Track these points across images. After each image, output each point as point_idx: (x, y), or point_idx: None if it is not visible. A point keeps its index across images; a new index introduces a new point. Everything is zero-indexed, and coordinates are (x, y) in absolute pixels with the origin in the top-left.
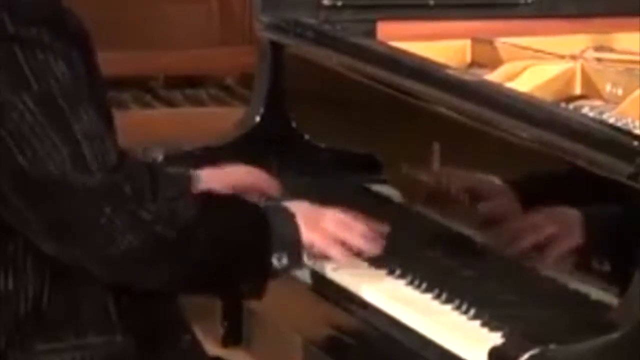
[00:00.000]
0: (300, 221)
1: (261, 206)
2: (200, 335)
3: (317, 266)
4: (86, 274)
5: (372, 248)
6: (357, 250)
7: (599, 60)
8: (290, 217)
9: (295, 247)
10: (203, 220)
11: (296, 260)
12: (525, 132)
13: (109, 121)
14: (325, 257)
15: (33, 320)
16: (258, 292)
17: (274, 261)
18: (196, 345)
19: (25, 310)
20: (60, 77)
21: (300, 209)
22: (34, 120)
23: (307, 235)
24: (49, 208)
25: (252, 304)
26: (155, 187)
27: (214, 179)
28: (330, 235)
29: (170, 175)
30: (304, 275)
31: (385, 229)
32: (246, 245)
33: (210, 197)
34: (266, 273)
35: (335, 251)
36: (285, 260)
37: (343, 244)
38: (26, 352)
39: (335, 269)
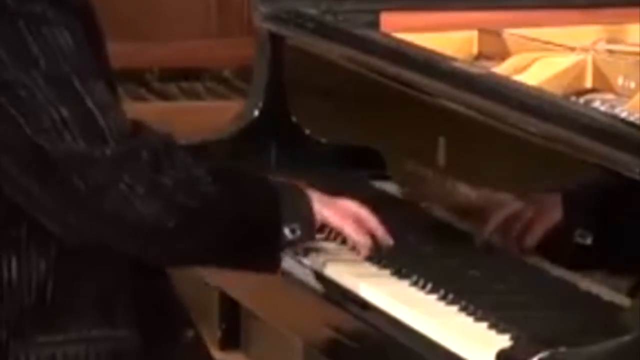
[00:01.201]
0: (313, 196)
1: (274, 181)
2: None
3: (318, 266)
4: (92, 265)
5: (383, 240)
6: (371, 233)
7: (610, 52)
8: (301, 191)
9: (307, 219)
10: (219, 189)
11: (309, 231)
12: (534, 127)
13: (115, 91)
14: (338, 234)
15: (36, 311)
16: (273, 265)
17: (287, 233)
18: (200, 341)
19: (29, 301)
20: (67, 52)
21: (315, 191)
22: (45, 97)
23: (321, 209)
24: (68, 183)
25: (252, 305)
26: (172, 154)
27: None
28: (345, 213)
29: (183, 146)
30: (304, 275)
31: (390, 242)
32: (260, 215)
33: (221, 169)
34: (280, 244)
35: (349, 228)
36: (298, 232)
37: (357, 224)
38: (28, 343)
39: (337, 269)
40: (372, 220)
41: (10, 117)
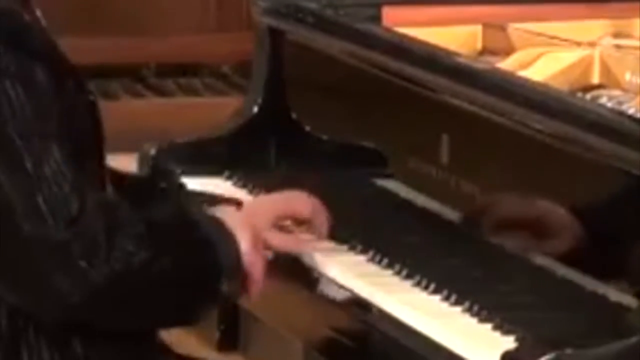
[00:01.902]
0: (242, 237)
1: (205, 229)
2: (195, 339)
3: (318, 266)
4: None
5: (321, 223)
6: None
7: (617, 47)
8: (232, 240)
9: (236, 274)
10: (160, 261)
11: (236, 286)
12: (539, 124)
13: (91, 149)
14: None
15: None
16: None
17: (224, 288)
18: None
19: None
20: (19, 110)
21: (235, 220)
22: None
23: (248, 255)
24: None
25: (250, 306)
26: (111, 244)
27: (260, 209)
28: (259, 235)
29: (131, 218)
30: (304, 276)
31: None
32: (196, 277)
33: (160, 233)
34: (217, 299)
35: (274, 242)
36: (233, 286)
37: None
38: None
39: (338, 269)
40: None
41: None
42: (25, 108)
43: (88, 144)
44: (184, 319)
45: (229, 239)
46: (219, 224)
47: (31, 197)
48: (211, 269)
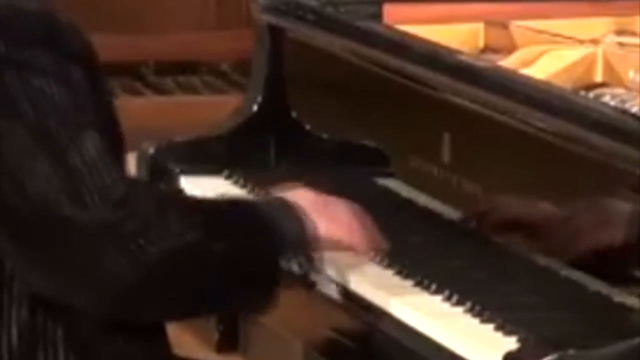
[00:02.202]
0: (315, 214)
1: (265, 207)
2: (193, 340)
3: (319, 266)
4: (73, 316)
5: (381, 243)
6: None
7: (621, 45)
8: (298, 215)
9: (309, 250)
10: (209, 248)
11: (313, 261)
12: (541, 122)
13: (118, 145)
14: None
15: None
16: (268, 305)
17: (294, 267)
18: None
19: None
20: (59, 104)
21: (310, 199)
22: (26, 151)
23: (327, 227)
24: (44, 248)
25: None
26: (163, 223)
27: None
28: (341, 223)
29: (181, 200)
30: (304, 275)
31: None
32: (254, 260)
33: (212, 216)
34: (276, 283)
35: (348, 241)
36: (305, 265)
37: (361, 235)
38: None
39: (339, 269)
40: (368, 224)
41: None
42: (65, 102)
43: (118, 139)
44: (239, 302)
45: (292, 214)
46: (279, 201)
47: (78, 184)
48: (268, 253)
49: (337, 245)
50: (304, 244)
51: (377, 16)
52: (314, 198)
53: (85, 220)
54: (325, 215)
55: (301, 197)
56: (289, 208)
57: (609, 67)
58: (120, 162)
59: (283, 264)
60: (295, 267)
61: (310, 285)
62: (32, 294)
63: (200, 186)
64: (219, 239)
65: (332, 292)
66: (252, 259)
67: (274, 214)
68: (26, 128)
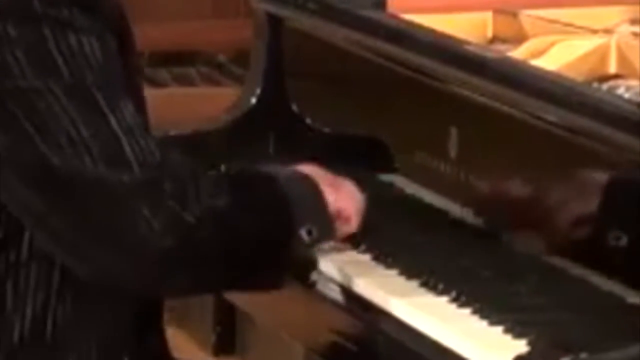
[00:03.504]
0: (323, 184)
1: (280, 180)
2: (190, 342)
3: (319, 265)
4: (96, 302)
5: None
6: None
7: (635, 34)
8: (312, 184)
9: (323, 217)
10: (238, 215)
11: (327, 230)
12: (552, 116)
13: (144, 112)
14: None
15: (31, 345)
16: (279, 280)
17: (304, 235)
18: None
19: (23, 333)
20: (95, 64)
21: (318, 174)
22: (64, 111)
23: (334, 201)
24: (82, 211)
25: (248, 307)
26: (198, 187)
27: None
28: (353, 199)
29: (209, 175)
30: (304, 275)
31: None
32: (275, 232)
33: (238, 184)
34: (291, 253)
35: (357, 218)
36: (315, 233)
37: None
38: None
39: (340, 268)
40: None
41: (22, 129)
42: (101, 61)
43: (144, 116)
44: (250, 281)
45: (308, 186)
46: (295, 172)
47: (116, 148)
48: (287, 223)
49: (342, 217)
50: (319, 213)
51: (381, 5)
52: (324, 173)
53: (123, 182)
54: (334, 188)
55: (312, 171)
56: (304, 179)
57: (623, 58)
58: (148, 128)
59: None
60: (304, 236)
61: (311, 286)
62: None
63: None
64: (245, 207)
65: (333, 292)
66: (273, 229)
67: (291, 185)
68: (63, 88)
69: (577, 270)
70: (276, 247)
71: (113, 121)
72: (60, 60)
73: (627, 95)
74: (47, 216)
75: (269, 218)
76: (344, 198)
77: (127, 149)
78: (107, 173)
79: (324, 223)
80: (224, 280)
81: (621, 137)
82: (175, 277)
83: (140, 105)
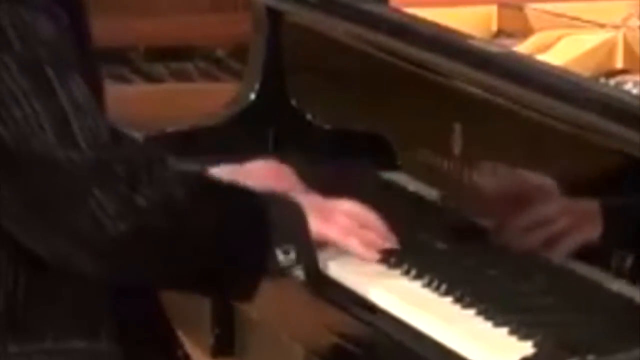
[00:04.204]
0: (309, 211)
1: (261, 195)
2: (187, 343)
3: (320, 266)
4: (69, 272)
5: (389, 245)
6: (374, 246)
7: None
8: (295, 207)
9: (302, 240)
10: (198, 208)
11: (306, 253)
12: (559, 112)
13: (99, 93)
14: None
15: (7, 317)
16: (249, 293)
17: (279, 256)
18: None
19: None
20: (48, 40)
21: (308, 199)
22: (16, 86)
23: (318, 224)
24: (29, 185)
25: (247, 309)
26: (152, 170)
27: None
28: (345, 228)
29: (165, 159)
30: (304, 275)
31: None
32: (243, 237)
33: (205, 183)
34: (263, 269)
35: (353, 243)
36: (292, 255)
37: (360, 233)
38: None
39: (341, 268)
40: (375, 225)
41: None
42: (53, 38)
43: (98, 93)
44: (217, 283)
45: (291, 205)
46: (280, 195)
47: (67, 124)
48: (256, 235)
49: (330, 244)
50: (295, 235)
51: None
52: (312, 197)
53: (72, 159)
54: (319, 213)
55: (300, 195)
56: (288, 200)
57: (631, 53)
58: (102, 109)
59: (279, 254)
60: (280, 256)
61: (311, 286)
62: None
63: None
64: (205, 203)
65: (335, 293)
66: (238, 233)
67: (271, 202)
68: (17, 62)
69: (584, 270)
70: (237, 254)
71: (63, 98)
72: (12, 35)
73: (635, 91)
74: (2, 191)
75: (232, 218)
76: (331, 227)
77: (76, 126)
78: (56, 149)
79: (303, 246)
80: (182, 275)
81: (629, 134)
82: (130, 262)
83: (93, 85)
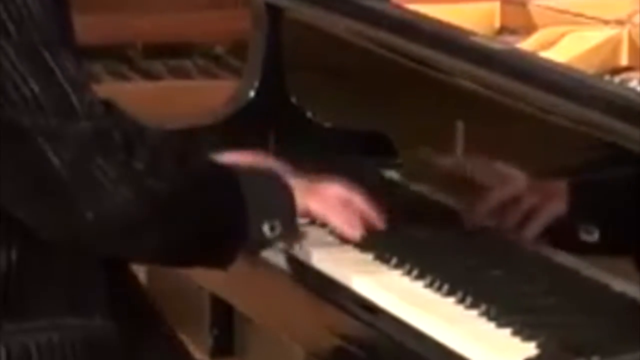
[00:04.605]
0: (295, 185)
1: (247, 170)
2: (186, 344)
3: (321, 265)
4: (61, 249)
5: (374, 226)
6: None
7: None
8: (280, 182)
9: (288, 213)
10: (187, 173)
11: (290, 226)
12: (562, 110)
13: (82, 71)
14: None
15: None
16: (226, 262)
17: (266, 230)
18: (177, 339)
19: None
20: (38, 21)
21: (296, 180)
22: (14, 69)
23: (303, 200)
24: (33, 161)
25: (246, 309)
26: (143, 135)
27: None
28: (330, 200)
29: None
30: (305, 275)
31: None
32: (226, 209)
33: (191, 156)
34: (240, 243)
35: (335, 219)
36: (278, 228)
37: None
38: None
39: (342, 268)
40: (361, 204)
41: None
42: (43, 18)
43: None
44: (200, 256)
45: (275, 179)
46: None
47: (65, 98)
48: (239, 205)
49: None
50: (281, 208)
51: None
52: (304, 179)
53: (75, 131)
54: (313, 192)
55: (287, 172)
56: (271, 175)
57: (636, 50)
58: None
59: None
60: (266, 231)
61: (312, 286)
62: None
63: None
64: (192, 173)
65: (335, 293)
66: (222, 203)
67: (255, 177)
68: (13, 46)
69: (588, 270)
70: (224, 219)
71: (60, 75)
72: (5, 18)
73: (639, 88)
74: (4, 171)
75: (217, 184)
76: (318, 201)
77: (75, 100)
78: (59, 125)
79: (287, 219)
80: (173, 244)
81: (634, 132)
82: (134, 231)
83: (78, 61)
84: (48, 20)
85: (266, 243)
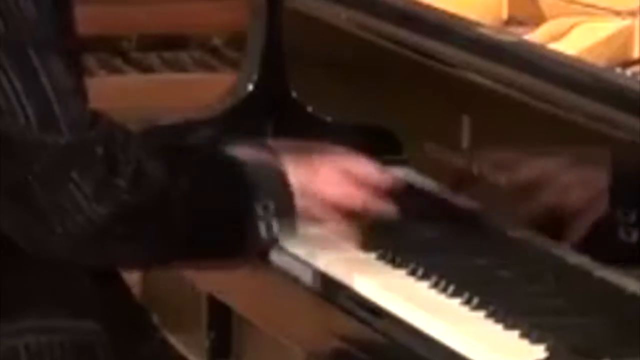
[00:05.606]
0: (290, 165)
1: (244, 164)
2: (182, 347)
3: (322, 265)
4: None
5: (379, 210)
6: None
7: None
8: (273, 163)
9: (281, 194)
10: (176, 181)
11: (286, 206)
12: (572, 103)
13: (79, 75)
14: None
15: None
16: (242, 256)
17: (262, 231)
18: (168, 344)
19: None
20: (30, 20)
21: (291, 166)
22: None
23: (296, 179)
24: (7, 168)
25: (244, 311)
26: (128, 147)
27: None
28: (325, 177)
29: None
30: (306, 275)
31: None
32: (225, 205)
33: (180, 155)
34: (248, 242)
35: (333, 192)
36: (275, 229)
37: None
38: None
39: (344, 269)
40: (360, 171)
41: None
42: (35, 18)
43: (79, 69)
44: (204, 256)
45: (277, 176)
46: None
47: (47, 106)
48: (239, 201)
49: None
50: (275, 187)
51: None
52: (304, 153)
53: (54, 143)
54: (302, 166)
55: (284, 148)
56: (262, 153)
57: None
58: (83, 91)
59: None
60: (259, 210)
61: (312, 287)
62: None
63: None
64: (183, 175)
65: (337, 294)
66: (220, 203)
67: (245, 158)
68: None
69: (599, 270)
70: (219, 218)
71: (44, 80)
72: None
73: None
74: None
75: (216, 190)
76: (321, 181)
77: (57, 109)
78: (38, 134)
79: (281, 198)
80: (167, 251)
81: None
82: (111, 246)
83: (74, 67)
84: (41, 22)
85: (260, 245)
